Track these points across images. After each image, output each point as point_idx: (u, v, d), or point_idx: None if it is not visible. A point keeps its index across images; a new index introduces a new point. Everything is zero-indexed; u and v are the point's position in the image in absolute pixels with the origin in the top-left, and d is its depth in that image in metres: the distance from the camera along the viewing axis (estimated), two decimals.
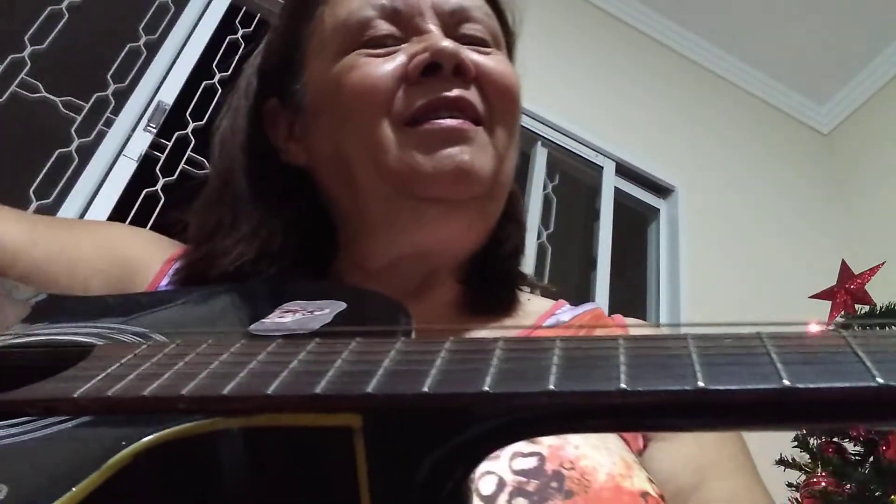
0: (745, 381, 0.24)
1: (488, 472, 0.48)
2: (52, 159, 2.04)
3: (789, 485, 2.13)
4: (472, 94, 0.61)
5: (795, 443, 2.18)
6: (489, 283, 0.68)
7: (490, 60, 0.65)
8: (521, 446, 0.49)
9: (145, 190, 2.09)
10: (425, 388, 0.26)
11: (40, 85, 2.12)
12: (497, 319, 0.68)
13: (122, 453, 0.26)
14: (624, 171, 3.01)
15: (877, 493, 1.98)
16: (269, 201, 0.65)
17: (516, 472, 0.48)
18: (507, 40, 0.72)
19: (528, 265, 2.68)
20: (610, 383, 0.25)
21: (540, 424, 0.26)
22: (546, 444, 0.49)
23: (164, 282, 0.65)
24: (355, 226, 0.65)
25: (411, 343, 0.31)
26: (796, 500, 2.10)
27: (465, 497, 0.27)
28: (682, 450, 0.59)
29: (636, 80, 3.30)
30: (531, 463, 0.48)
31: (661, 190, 3.10)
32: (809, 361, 0.25)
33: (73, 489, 0.25)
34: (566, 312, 0.70)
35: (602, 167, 2.96)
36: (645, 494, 0.50)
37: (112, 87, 2.19)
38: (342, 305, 0.44)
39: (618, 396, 0.24)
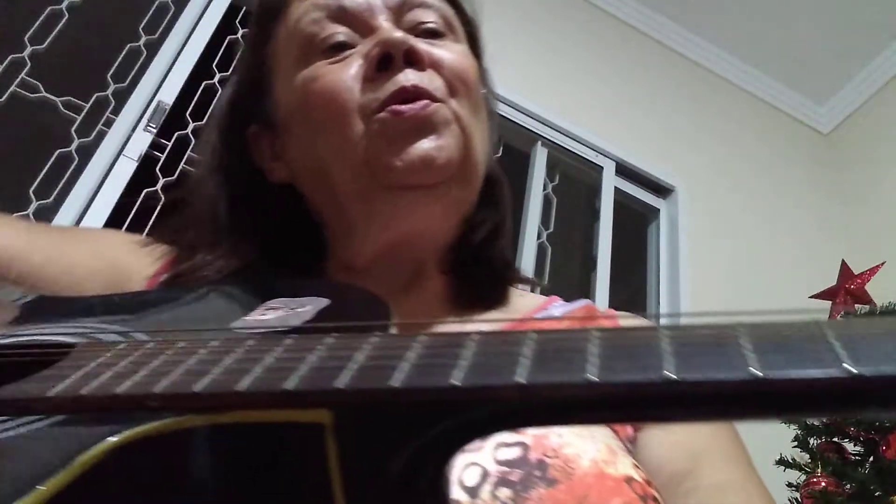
0: (714, 371, 0.24)
1: (472, 464, 0.48)
2: (52, 159, 2.05)
3: (789, 485, 2.13)
4: (428, 79, 0.62)
5: (795, 443, 2.18)
6: (474, 273, 0.69)
7: (442, 50, 0.65)
8: (505, 436, 0.50)
9: (145, 190, 2.10)
10: (395, 383, 0.26)
11: (40, 85, 2.12)
12: (486, 312, 0.68)
13: (92, 451, 0.26)
14: (624, 171, 3.01)
15: (877, 494, 1.98)
16: (251, 220, 0.67)
17: (500, 463, 0.48)
18: (467, 30, 0.72)
19: (527, 265, 2.68)
20: (580, 375, 0.24)
21: (512, 418, 0.26)
22: (530, 433, 0.50)
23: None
24: (338, 228, 0.66)
25: (386, 338, 0.31)
26: (796, 500, 2.09)
27: (442, 490, 0.27)
28: (674, 436, 0.59)
29: (636, 81, 3.30)
30: (515, 453, 0.49)
31: (661, 190, 3.10)
32: (784, 350, 0.24)
33: (42, 486, 0.25)
34: (558, 308, 0.70)
35: (602, 167, 2.96)
36: (629, 479, 0.50)
37: (112, 87, 2.19)
38: (325, 302, 0.44)
39: (586, 388, 0.24)
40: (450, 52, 0.66)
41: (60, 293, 0.59)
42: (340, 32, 0.64)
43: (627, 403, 0.25)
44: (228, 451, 0.28)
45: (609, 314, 0.71)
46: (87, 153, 2.06)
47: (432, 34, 0.67)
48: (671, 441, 0.59)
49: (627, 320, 0.70)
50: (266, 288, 0.51)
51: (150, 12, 2.33)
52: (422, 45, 0.63)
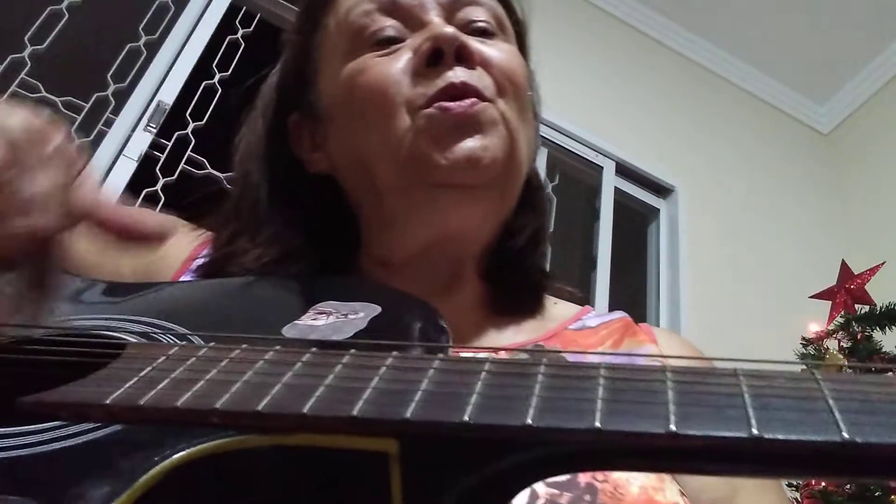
0: (801, 431, 0.23)
1: None
2: None
3: (789, 485, 2.13)
4: (477, 77, 0.61)
5: None
6: (511, 279, 0.68)
7: (493, 49, 0.64)
8: None
9: (145, 190, 2.09)
10: (466, 417, 0.25)
11: (40, 85, 2.11)
12: (521, 320, 0.67)
13: (153, 471, 0.26)
14: (624, 171, 3.01)
15: (877, 494, 1.98)
16: (292, 209, 0.66)
17: (549, 485, 0.47)
18: (516, 30, 0.71)
19: None
20: (658, 424, 0.24)
21: (582, 459, 0.26)
22: None
23: (186, 277, 0.65)
24: (376, 221, 0.65)
25: (450, 362, 0.30)
26: (796, 500, 2.10)
27: None
28: None
29: (636, 80, 3.30)
30: (564, 475, 0.48)
31: (661, 190, 3.10)
32: (869, 411, 0.24)
33: None
34: (593, 318, 0.69)
35: (602, 167, 2.96)
36: None
37: (112, 87, 2.18)
38: (377, 309, 0.43)
39: (667, 439, 0.23)
40: (500, 52, 0.65)
41: (94, 275, 0.58)
42: (391, 26, 0.64)
43: (705, 457, 0.24)
44: (289, 472, 0.27)
45: (646, 329, 0.69)
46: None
47: (483, 33, 0.66)
48: None
49: (664, 336, 0.68)
50: (313, 286, 0.50)
51: (150, 12, 2.32)
52: (473, 42, 0.63)
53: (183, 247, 0.67)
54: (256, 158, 0.70)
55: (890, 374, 0.25)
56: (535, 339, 0.65)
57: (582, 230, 3.00)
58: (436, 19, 0.64)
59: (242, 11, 2.47)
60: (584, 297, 0.75)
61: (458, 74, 0.60)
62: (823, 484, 2.07)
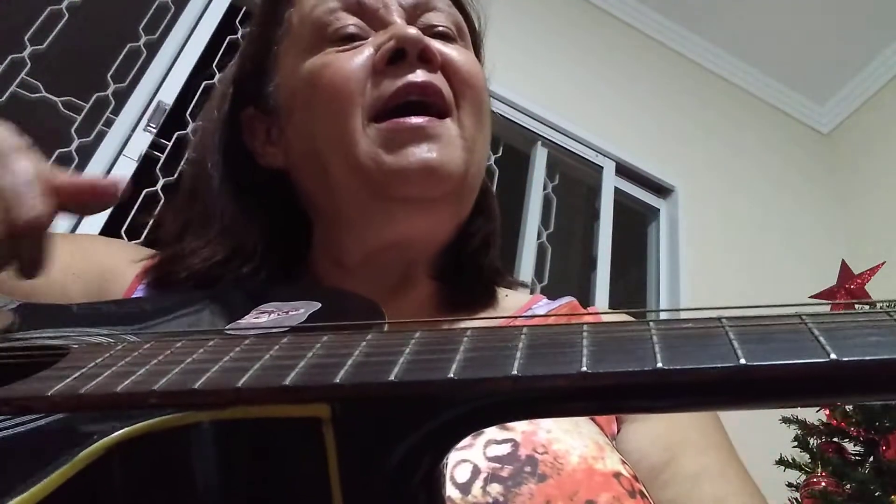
0: (702, 361, 0.24)
1: (463, 461, 0.48)
2: (52, 159, 2.04)
3: (789, 485, 2.13)
4: (438, 80, 0.62)
5: (795, 443, 2.18)
6: (463, 278, 0.69)
7: (454, 51, 0.66)
8: (495, 433, 0.50)
9: (145, 190, 2.10)
10: (392, 377, 0.26)
11: (40, 85, 2.12)
12: (473, 315, 0.68)
13: (94, 447, 0.26)
14: (624, 171, 3.01)
15: (877, 494, 1.98)
16: (242, 203, 0.66)
17: (490, 459, 0.48)
18: (473, 39, 0.73)
19: (527, 265, 2.68)
20: (572, 367, 0.25)
21: (506, 410, 0.26)
22: (519, 430, 0.50)
23: (140, 287, 0.66)
24: (330, 222, 0.66)
25: (381, 336, 0.31)
26: (796, 500, 2.09)
27: (437, 484, 0.27)
28: (652, 429, 0.60)
29: (636, 80, 3.30)
30: (505, 449, 0.49)
31: (661, 190, 3.10)
32: (766, 340, 0.25)
33: (44, 481, 0.25)
34: (542, 307, 0.71)
35: (602, 167, 2.96)
36: (617, 475, 0.51)
37: (112, 87, 2.19)
38: (317, 305, 0.44)
39: (580, 379, 0.24)
40: (460, 54, 0.66)
41: (42, 297, 0.59)
42: (354, 24, 0.65)
43: (620, 394, 0.25)
44: (228, 445, 0.28)
45: (592, 311, 0.71)
46: (87, 153, 2.05)
47: (443, 37, 0.67)
48: (650, 434, 0.59)
49: (610, 317, 0.70)
50: (259, 293, 0.51)
51: (150, 12, 2.33)
52: (435, 43, 0.64)
53: (131, 268, 0.67)
54: (210, 150, 0.70)
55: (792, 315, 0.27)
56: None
57: (582, 230, 3.00)
58: (399, 21, 0.65)
59: (242, 11, 2.47)
60: (532, 289, 0.76)
61: (418, 75, 0.61)
62: (823, 484, 2.07)
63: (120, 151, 2.07)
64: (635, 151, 3.05)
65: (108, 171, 2.03)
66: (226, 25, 2.43)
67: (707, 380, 0.24)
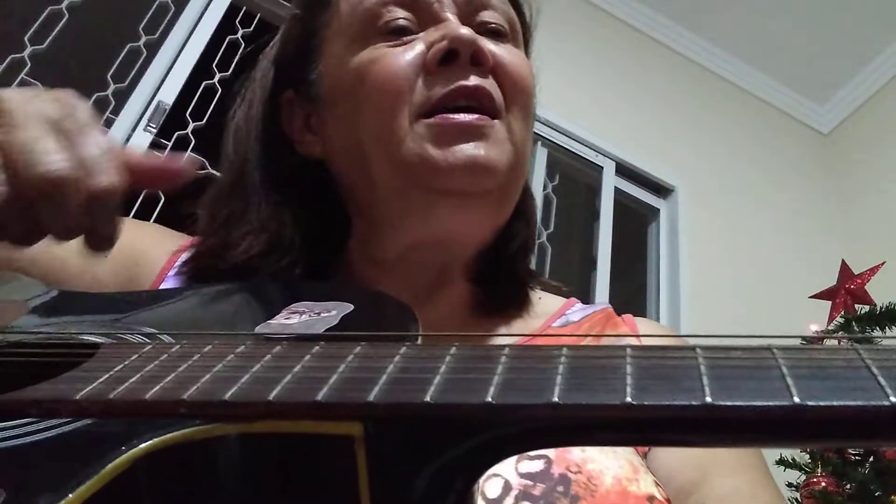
0: (754, 397, 0.23)
1: (494, 475, 0.47)
2: None
3: (789, 485, 2.13)
4: (489, 84, 0.61)
5: None
6: (499, 281, 0.68)
7: (506, 52, 0.64)
8: None
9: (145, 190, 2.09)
10: (427, 398, 0.25)
11: (40, 85, 2.11)
12: (508, 318, 0.67)
13: (121, 458, 0.26)
14: (624, 171, 3.01)
15: (877, 494, 1.98)
16: (281, 193, 0.65)
17: (522, 476, 0.47)
18: (523, 33, 0.71)
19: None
20: (615, 396, 0.24)
21: (544, 436, 0.26)
22: None
23: (172, 273, 0.65)
24: (369, 216, 0.64)
25: (416, 349, 0.30)
26: (796, 500, 2.09)
27: None
28: (684, 448, 0.58)
29: (636, 81, 3.30)
30: (537, 466, 0.48)
31: (661, 190, 3.10)
32: (820, 377, 0.24)
33: (71, 495, 0.25)
34: (576, 312, 0.70)
35: (602, 167, 2.96)
36: (651, 498, 0.50)
37: (112, 87, 2.18)
38: (349, 307, 0.44)
39: (623, 410, 0.24)
40: (512, 56, 0.64)
41: (72, 284, 0.58)
42: (405, 17, 0.63)
43: (662, 427, 0.24)
44: (256, 459, 0.28)
45: (627, 320, 0.69)
46: None
47: (496, 34, 0.65)
48: (680, 453, 0.58)
49: (645, 326, 0.69)
50: (290, 289, 0.50)
51: (150, 12, 2.32)
52: (488, 44, 0.62)
53: (162, 253, 0.67)
54: (249, 139, 0.68)
55: (847, 346, 0.25)
56: (520, 340, 0.65)
57: (582, 230, 3.00)
58: (452, 18, 0.63)
59: (242, 11, 2.47)
60: (568, 291, 0.75)
61: (470, 79, 0.60)
62: (823, 484, 2.07)
63: None
64: (635, 151, 3.05)
65: None
66: (226, 25, 2.43)
67: (756, 418, 0.23)
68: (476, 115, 0.59)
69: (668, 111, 3.31)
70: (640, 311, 2.83)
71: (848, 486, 2.05)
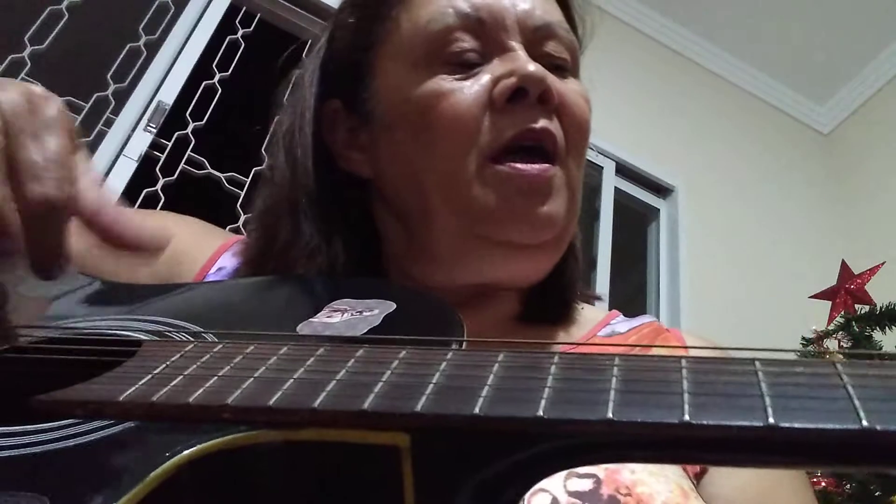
0: (818, 418, 0.22)
1: (542, 490, 0.47)
2: None
3: None
4: (554, 127, 0.60)
5: None
6: (547, 294, 0.67)
7: (570, 91, 0.63)
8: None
9: (145, 190, 2.09)
10: (477, 410, 0.25)
11: (40, 85, 2.10)
12: (552, 328, 0.66)
13: (165, 465, 0.26)
14: (624, 171, 3.01)
15: (877, 494, 1.98)
16: (330, 213, 0.63)
17: (571, 494, 0.46)
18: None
19: None
20: (672, 413, 0.23)
21: (595, 452, 0.25)
22: (602, 465, 0.48)
23: (213, 269, 0.64)
24: (418, 249, 0.62)
25: (463, 355, 0.30)
26: None
27: None
28: (740, 476, 0.57)
29: (636, 80, 3.30)
30: (586, 485, 0.47)
31: (661, 190, 3.10)
32: (890, 398, 0.23)
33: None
34: (621, 323, 0.69)
35: (602, 167, 2.96)
36: None
37: (112, 87, 2.18)
38: (392, 306, 0.43)
39: (682, 429, 0.23)
40: (575, 96, 0.63)
41: (110, 277, 0.57)
42: (471, 48, 0.61)
43: (720, 447, 0.23)
44: (299, 467, 0.27)
45: (674, 333, 0.68)
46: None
47: (560, 69, 0.64)
48: (738, 482, 0.56)
49: (693, 340, 0.67)
50: (330, 285, 0.50)
51: (150, 12, 2.32)
52: (555, 83, 0.61)
53: (205, 249, 0.66)
54: (299, 149, 0.65)
55: None
56: (568, 348, 0.64)
57: (582, 230, 2.97)
58: (519, 50, 0.61)
59: (242, 11, 2.46)
60: (600, 297, 0.74)
61: (539, 122, 0.59)
62: (823, 484, 2.07)
63: (120, 151, 2.06)
64: (635, 151, 3.04)
65: (108, 171, 2.02)
66: (226, 25, 2.42)
67: (822, 441, 0.22)
68: (542, 167, 0.58)
69: (668, 111, 3.31)
70: (640, 311, 2.83)
71: (848, 486, 2.05)
